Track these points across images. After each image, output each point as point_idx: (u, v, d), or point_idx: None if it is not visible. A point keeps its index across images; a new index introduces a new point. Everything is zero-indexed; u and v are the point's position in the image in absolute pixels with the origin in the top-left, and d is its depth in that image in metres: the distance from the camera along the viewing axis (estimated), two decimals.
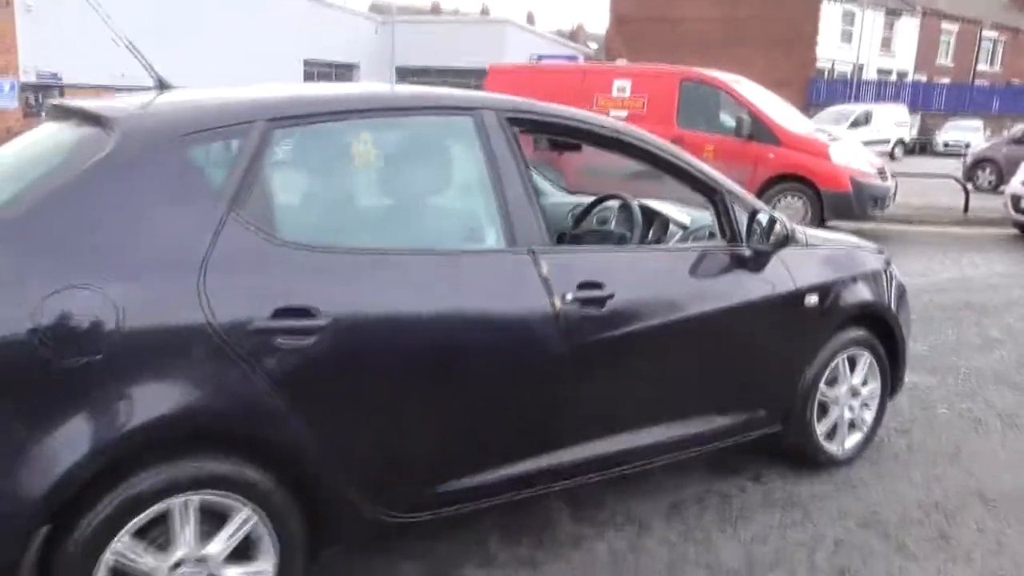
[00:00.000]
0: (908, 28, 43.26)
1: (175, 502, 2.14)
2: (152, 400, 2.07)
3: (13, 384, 1.96)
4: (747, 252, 3.19)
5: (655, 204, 3.62)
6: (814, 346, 3.46)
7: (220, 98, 2.52)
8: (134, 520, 2.09)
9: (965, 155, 19.05)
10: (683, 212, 3.58)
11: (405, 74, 44.56)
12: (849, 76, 40.50)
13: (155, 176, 2.19)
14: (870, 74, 41.51)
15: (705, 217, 3.47)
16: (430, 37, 40.67)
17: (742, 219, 3.23)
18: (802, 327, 3.40)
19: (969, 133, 30.62)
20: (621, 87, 11.07)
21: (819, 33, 39.36)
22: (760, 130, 10.26)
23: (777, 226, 3.17)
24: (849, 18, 40.52)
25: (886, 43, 42.84)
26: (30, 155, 2.50)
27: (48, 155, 2.35)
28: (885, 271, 3.82)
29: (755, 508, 3.34)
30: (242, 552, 2.28)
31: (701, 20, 40.01)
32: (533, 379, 2.68)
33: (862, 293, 3.61)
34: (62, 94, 30.97)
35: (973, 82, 43.00)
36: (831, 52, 39.73)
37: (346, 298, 2.32)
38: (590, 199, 3.96)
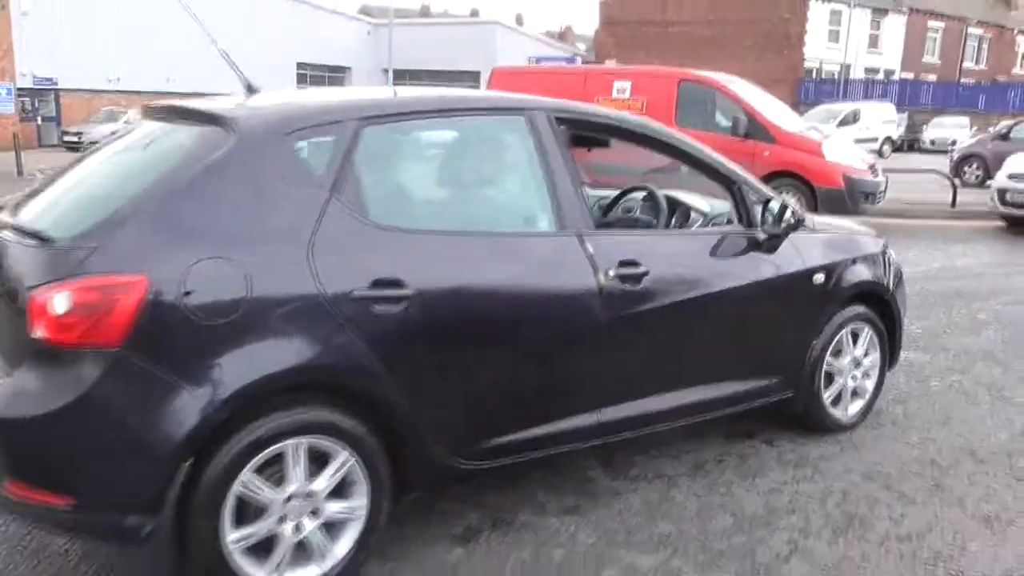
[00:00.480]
0: (895, 26, 43.87)
1: (289, 444, 2.51)
2: (274, 356, 2.44)
3: (165, 339, 2.32)
4: (761, 236, 3.58)
5: (677, 194, 4.01)
6: (821, 320, 3.85)
7: (319, 99, 2.89)
8: (256, 458, 2.46)
9: (952, 151, 19.53)
10: (702, 201, 3.97)
11: (399, 76, 44.93)
12: (837, 75, 41.03)
13: (270, 166, 2.56)
14: (857, 73, 42.06)
15: (722, 205, 3.86)
16: (422, 39, 41.09)
17: (756, 207, 3.62)
18: (810, 303, 3.79)
19: (956, 130, 31.18)
20: (621, 88, 11.47)
21: (807, 33, 39.87)
22: (755, 128, 10.68)
23: (788, 212, 3.56)
24: (836, 17, 41.07)
25: (873, 41, 43.44)
26: (151, 150, 2.86)
27: (172, 149, 2.71)
28: (883, 254, 4.22)
29: (770, 466, 3.73)
30: (340, 491, 2.65)
31: (690, 22, 40.45)
32: (580, 345, 3.07)
33: (863, 273, 4.00)
34: (57, 99, 31.28)
35: (959, 80, 43.62)
36: (819, 52, 40.26)
37: (427, 272, 2.69)
38: (614, 191, 4.35)
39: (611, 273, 3.07)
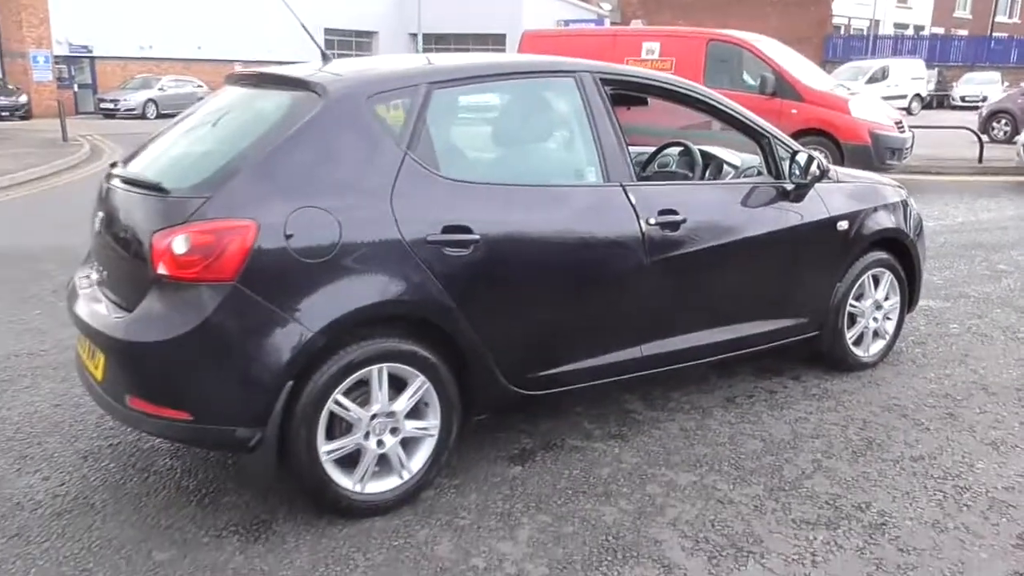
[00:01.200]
0: None
1: (373, 369, 2.87)
2: (362, 291, 2.80)
3: (272, 276, 2.69)
4: (789, 186, 3.88)
5: (710, 148, 4.30)
6: (844, 265, 4.15)
7: (392, 66, 3.22)
8: (346, 381, 2.82)
9: (981, 107, 19.46)
10: (733, 155, 4.26)
11: (425, 41, 44.88)
12: (865, 32, 40.51)
13: (354, 126, 2.90)
14: (886, 29, 41.49)
15: (751, 159, 4.15)
16: (448, 2, 40.95)
17: (784, 159, 3.91)
18: (834, 248, 4.09)
19: (987, 86, 30.85)
20: (650, 49, 11.65)
21: None
22: (783, 87, 10.84)
23: (813, 164, 3.85)
24: None
25: None
26: (245, 112, 3.22)
27: (267, 112, 3.06)
28: (904, 204, 4.49)
29: (796, 399, 4.07)
30: (416, 412, 3.02)
31: None
32: (624, 285, 3.40)
33: (884, 221, 4.29)
34: (93, 67, 31.75)
35: (991, 34, 42.89)
36: (847, 8, 39.78)
37: (491, 219, 3.03)
38: (650, 148, 4.64)
39: (652, 220, 3.39)
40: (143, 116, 27.56)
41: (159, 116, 27.75)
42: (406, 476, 3.03)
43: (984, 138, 14.20)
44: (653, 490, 3.19)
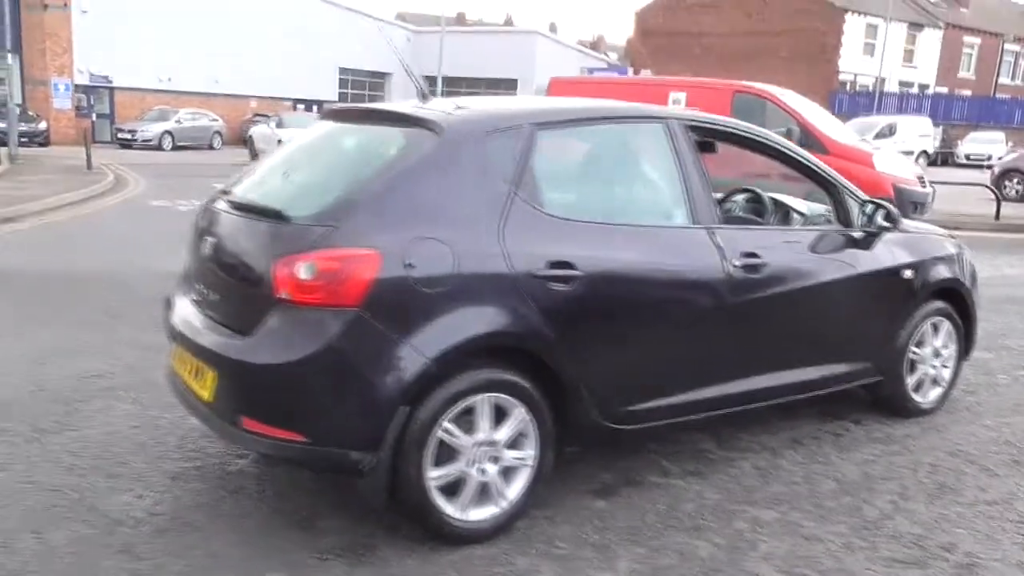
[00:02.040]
0: (930, 41, 43.96)
1: (478, 398, 2.96)
2: (474, 322, 2.90)
3: (392, 304, 2.79)
4: (859, 234, 4.01)
5: (778, 196, 4.44)
6: (907, 312, 4.27)
7: (500, 106, 3.36)
8: (454, 408, 2.91)
9: (993, 166, 19.77)
10: (799, 202, 4.39)
11: (434, 83, 45.52)
12: (871, 88, 41.17)
13: (469, 163, 3.03)
14: (891, 86, 42.18)
15: (818, 207, 4.29)
16: (462, 47, 41.70)
17: (854, 208, 4.04)
18: (899, 296, 4.21)
19: (990, 145, 31.32)
20: (676, 99, 11.87)
21: (842, 46, 40.14)
22: (808, 140, 11.01)
23: (880, 214, 3.98)
24: (872, 31, 41.22)
25: (908, 56, 43.54)
26: (357, 146, 3.36)
27: (381, 146, 3.20)
28: (960, 255, 4.62)
29: (861, 442, 4.15)
30: (514, 442, 3.10)
31: (725, 34, 40.83)
32: (709, 325, 3.51)
33: (944, 271, 4.41)
34: (112, 97, 32.17)
35: (995, 94, 43.63)
36: (853, 65, 40.48)
37: (591, 256, 3.14)
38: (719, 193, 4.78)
39: (736, 263, 3.51)
40: (159, 147, 27.89)
41: (175, 148, 28.10)
42: (504, 505, 3.10)
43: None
44: (740, 526, 3.26)
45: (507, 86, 43.16)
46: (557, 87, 12.92)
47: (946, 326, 4.49)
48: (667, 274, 3.38)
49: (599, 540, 3.12)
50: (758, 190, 4.41)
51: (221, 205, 3.33)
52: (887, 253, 4.12)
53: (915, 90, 42.73)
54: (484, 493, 3.06)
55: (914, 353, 4.37)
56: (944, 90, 43.44)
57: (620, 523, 3.25)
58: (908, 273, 4.20)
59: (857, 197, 4.10)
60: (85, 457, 3.72)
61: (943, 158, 33.18)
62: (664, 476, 3.69)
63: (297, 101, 37.74)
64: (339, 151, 3.45)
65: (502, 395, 3.01)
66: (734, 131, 3.85)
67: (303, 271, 2.76)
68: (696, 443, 4.03)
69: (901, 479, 3.74)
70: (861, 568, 2.98)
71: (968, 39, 45.55)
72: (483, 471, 3.03)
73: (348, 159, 3.35)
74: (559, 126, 3.32)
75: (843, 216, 4.05)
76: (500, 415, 3.05)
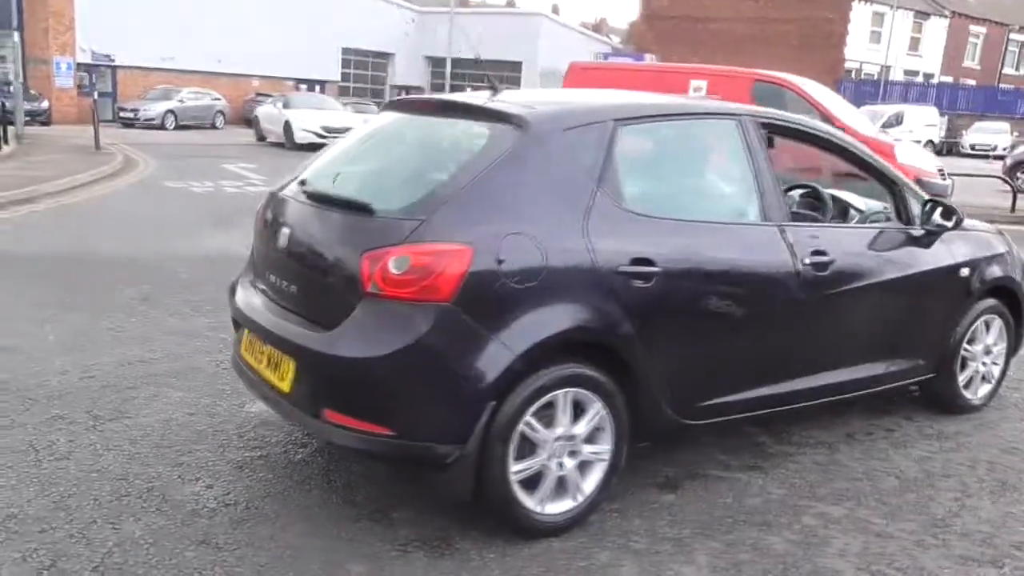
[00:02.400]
0: (936, 30, 43.84)
1: (559, 393, 2.96)
2: (561, 317, 2.90)
3: (484, 299, 2.78)
4: (919, 232, 4.01)
5: (836, 192, 4.43)
6: (963, 310, 4.28)
7: (580, 100, 3.34)
8: (537, 403, 2.91)
9: (1004, 157, 19.76)
10: (858, 199, 4.39)
11: (438, 64, 45.26)
12: (876, 77, 41.08)
13: (554, 158, 3.02)
14: (897, 75, 42.10)
15: (875, 204, 4.28)
16: (466, 29, 41.43)
17: (915, 206, 4.04)
18: (955, 294, 4.22)
19: (995, 135, 31.32)
20: (697, 87, 11.83)
21: (848, 34, 39.99)
22: None
23: (940, 212, 3.98)
24: (878, 19, 41.11)
25: (914, 44, 43.44)
26: (435, 138, 3.35)
27: (463, 140, 3.18)
28: (1009, 251, 4.62)
29: (915, 438, 4.17)
30: (590, 436, 3.11)
31: (731, 18, 40.62)
32: (780, 322, 3.51)
33: (997, 269, 4.42)
34: (114, 76, 31.91)
35: (999, 84, 43.56)
36: (859, 53, 40.35)
37: (670, 253, 3.14)
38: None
39: (806, 260, 3.51)
40: (162, 127, 27.67)
41: (177, 127, 27.88)
42: (580, 499, 3.11)
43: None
44: (809, 522, 3.28)
45: (511, 68, 42.93)
46: (575, 72, 12.85)
47: (997, 323, 4.51)
48: (741, 272, 3.37)
49: (673, 534, 3.14)
50: (817, 186, 4.40)
51: (296, 195, 3.31)
52: (945, 251, 4.12)
53: (920, 79, 42.64)
54: (561, 487, 3.07)
55: (966, 350, 4.38)
56: (949, 79, 43.36)
57: (690, 517, 3.27)
58: (965, 271, 4.21)
59: (918, 195, 4.09)
60: (146, 445, 3.72)
61: (948, 147, 33.18)
62: (725, 470, 3.70)
63: (299, 81, 37.48)
64: (416, 143, 3.43)
65: (581, 390, 3.01)
66: (801, 128, 3.84)
67: (395, 265, 2.75)
68: (751, 437, 4.05)
69: (960, 476, 3.76)
70: (937, 566, 3.00)
71: (974, 28, 45.44)
72: (561, 465, 3.04)
73: (427, 152, 3.34)
74: (638, 122, 3.30)
75: (904, 214, 4.05)
76: (578, 410, 3.05)
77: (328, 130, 22.11)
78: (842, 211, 4.33)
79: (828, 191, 4.36)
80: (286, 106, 24.05)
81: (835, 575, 2.92)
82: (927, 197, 4.08)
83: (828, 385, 3.79)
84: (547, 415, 2.98)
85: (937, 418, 4.42)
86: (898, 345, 4.08)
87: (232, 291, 3.65)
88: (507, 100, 3.33)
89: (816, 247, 3.57)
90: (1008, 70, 46.79)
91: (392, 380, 2.78)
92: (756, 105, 11.76)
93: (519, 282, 2.82)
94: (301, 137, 21.98)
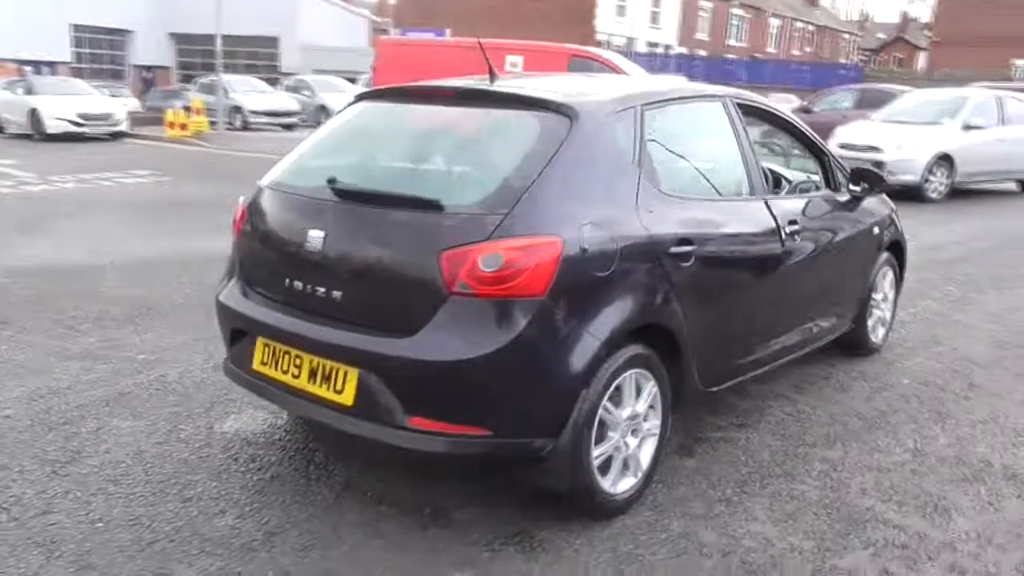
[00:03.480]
0: (672, 4, 47.48)
1: (627, 375, 3.04)
2: (633, 302, 2.98)
3: (574, 290, 2.79)
4: (847, 197, 4.48)
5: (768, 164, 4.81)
6: (873, 263, 4.85)
7: (608, 87, 3.39)
8: (611, 387, 2.97)
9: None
10: (785, 170, 4.80)
11: (183, 40, 42.26)
12: (623, 49, 43.82)
13: (605, 146, 3.06)
14: (640, 47, 45.16)
15: (799, 174, 4.71)
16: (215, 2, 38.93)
17: (838, 174, 4.51)
18: (871, 250, 4.77)
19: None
20: (513, 62, 12.11)
21: (597, 7, 42.31)
22: None
23: (865, 179, 4.48)
24: None
25: (654, 18, 46.76)
26: (477, 128, 3.28)
27: (512, 130, 3.14)
28: (894, 211, 5.27)
29: (849, 382, 4.67)
30: (646, 414, 3.22)
31: None
32: (771, 287, 3.82)
33: (894, 227, 5.04)
34: None
35: (725, 55, 48.07)
36: (607, 26, 42.82)
37: (701, 231, 3.31)
38: None
39: (787, 229, 3.82)
40: None
41: None
42: (639, 475, 3.22)
43: None
44: (820, 467, 3.62)
45: (266, 44, 41.10)
46: (386, 49, 12.71)
47: (891, 274, 5.14)
48: (747, 244, 3.63)
49: (719, 495, 3.34)
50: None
51: (319, 193, 3.10)
52: (864, 213, 4.64)
53: (660, 50, 46.03)
54: (626, 466, 3.16)
55: (872, 299, 4.96)
56: (684, 50, 47.17)
57: (724, 478, 3.49)
58: (876, 230, 4.77)
59: (842, 165, 4.56)
60: (133, 483, 3.35)
61: None
62: (719, 431, 3.96)
63: (24, 63, 33.49)
64: (445, 134, 3.32)
65: (641, 370, 3.11)
66: (759, 106, 4.14)
67: (486, 263, 2.68)
68: (723, 399, 4.33)
69: (906, 411, 4.29)
70: (939, 490, 3.44)
71: (703, 3, 49.73)
72: (627, 445, 3.13)
73: (469, 143, 3.24)
74: (656, 106, 3.41)
75: (832, 181, 4.50)
76: (638, 390, 3.15)
77: (86, 118, 20.09)
78: (775, 182, 4.72)
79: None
80: (29, 92, 21.37)
81: (868, 511, 3.26)
82: (850, 166, 4.56)
83: (801, 340, 4.19)
84: (615, 397, 3.05)
85: (853, 361, 4.98)
86: (840, 299, 4.56)
87: (224, 300, 3.36)
88: (535, 88, 3.34)
89: (790, 216, 3.90)
90: (732, 41, 51.75)
91: (491, 380, 2.73)
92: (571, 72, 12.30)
93: (599, 270, 2.86)
94: (54, 127, 19.71)
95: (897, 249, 5.20)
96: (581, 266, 2.81)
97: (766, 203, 3.78)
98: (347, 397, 2.89)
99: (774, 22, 57.23)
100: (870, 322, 5.00)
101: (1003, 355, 5.25)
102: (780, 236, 3.78)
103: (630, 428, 3.13)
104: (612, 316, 2.91)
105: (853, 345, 5.01)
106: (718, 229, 3.45)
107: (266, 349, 3.17)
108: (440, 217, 2.82)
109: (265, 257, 3.27)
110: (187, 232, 8.71)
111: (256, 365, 3.20)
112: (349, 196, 3.04)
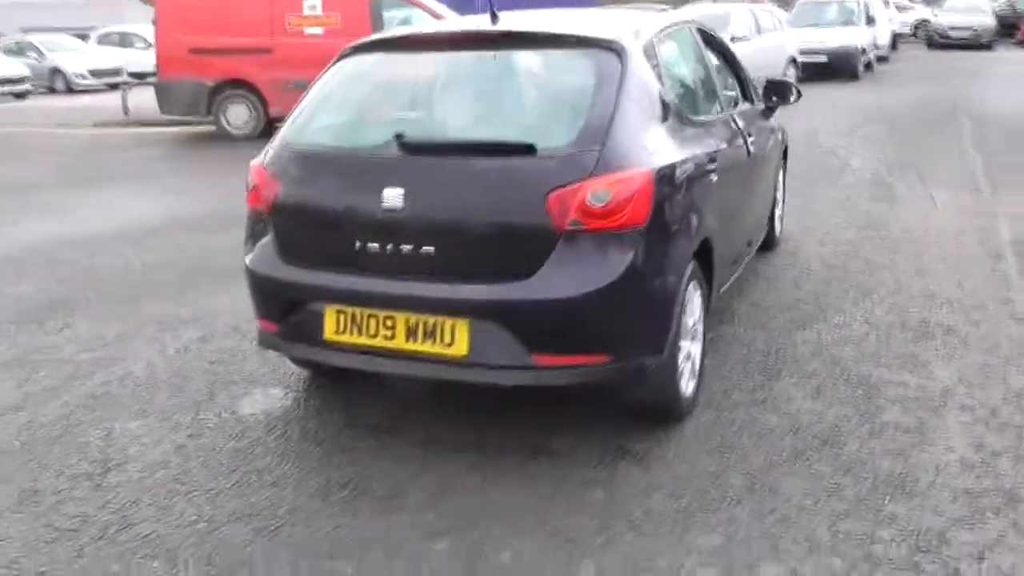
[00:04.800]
0: None
1: (690, 286, 3.28)
2: (697, 222, 3.30)
3: (666, 217, 3.01)
4: (764, 107, 4.99)
5: None
6: (779, 167, 5.44)
7: (626, 21, 3.56)
8: (685, 298, 3.21)
9: None
10: None
11: None
12: None
13: (647, 79, 3.23)
14: None
15: (727, 91, 5.10)
16: None
17: (753, 88, 5.00)
18: (778, 155, 5.34)
19: None
20: (312, 5, 11.60)
21: None
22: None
23: (777, 90, 5.00)
24: None
25: None
26: (534, 69, 3.37)
27: (564, 67, 3.28)
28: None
29: (774, 274, 5.26)
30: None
31: None
32: (747, 192, 4.26)
33: (783, 133, 5.65)
34: None
35: None
36: None
37: (716, 148, 3.62)
38: None
39: (750, 140, 4.24)
40: None
41: None
42: (695, 379, 3.51)
43: None
44: (808, 347, 4.14)
45: None
46: (169, 1, 11.68)
47: (782, 175, 5.79)
48: (735, 155, 4.00)
49: (753, 384, 3.76)
50: None
51: (384, 150, 3.04)
52: (775, 123, 5.19)
53: None
54: (691, 370, 3.45)
55: (775, 198, 5.57)
56: None
57: (742, 369, 3.91)
58: (780, 136, 5.36)
59: (755, 82, 5.05)
60: (198, 479, 3.16)
61: None
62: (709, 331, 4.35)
63: None
64: (500, 77, 3.35)
65: (695, 281, 3.38)
66: (703, 29, 4.46)
67: (595, 198, 2.81)
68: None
69: (835, 292, 4.94)
70: (907, 349, 4.09)
71: None
72: (691, 351, 3.42)
73: (528, 84, 3.32)
74: (659, 38, 3.58)
75: (749, 95, 4.96)
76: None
77: None
78: None
79: None
80: None
81: (871, 376, 3.80)
82: (763, 81, 5.05)
83: (753, 243, 4.67)
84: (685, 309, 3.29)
85: (766, 257, 5.55)
86: (768, 200, 5.10)
87: (269, 272, 3.21)
88: (562, 26, 3.47)
89: (747, 129, 4.31)
90: None
91: (611, 308, 2.88)
92: (377, 18, 12.00)
93: (675, 195, 3.09)
94: None
95: (785, 152, 5.83)
96: (664, 193, 3.01)
97: (732, 118, 4.15)
98: (459, 348, 2.92)
99: None
100: (776, 219, 5.62)
101: (867, 235, 6.10)
102: (747, 146, 4.18)
103: (691, 335, 3.41)
104: (687, 236, 3.17)
105: (767, 244, 5.59)
106: (722, 144, 3.78)
107: (341, 316, 3.08)
108: (536, 160, 2.89)
109: (320, 222, 3.15)
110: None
111: (330, 335, 3.11)
112: (422, 150, 3.00)
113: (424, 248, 2.96)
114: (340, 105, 3.39)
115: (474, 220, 2.95)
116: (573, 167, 2.85)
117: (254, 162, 3.39)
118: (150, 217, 7.48)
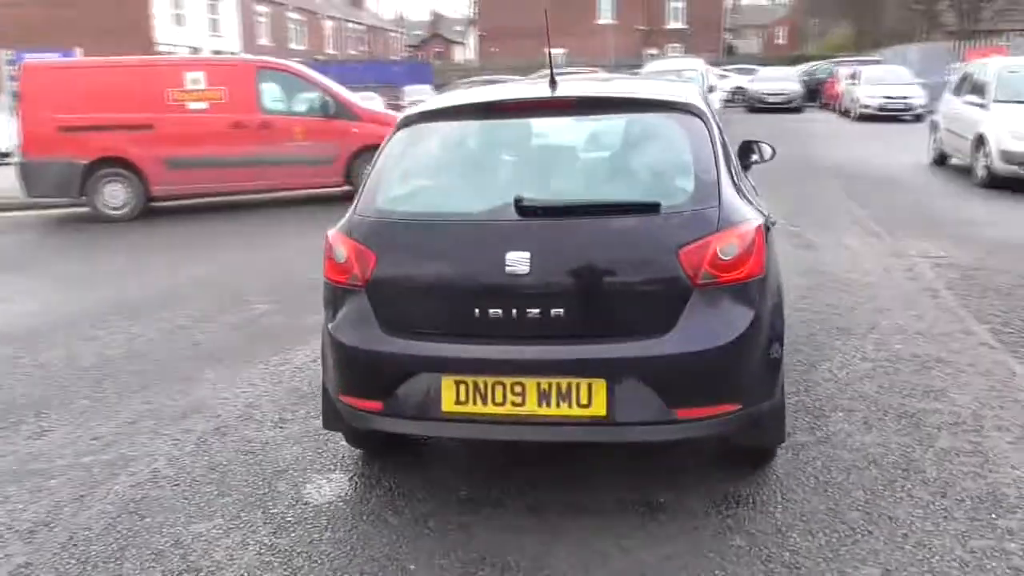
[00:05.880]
0: (229, 10, 46.00)
1: None
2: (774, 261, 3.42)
3: (768, 265, 3.14)
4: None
5: None
6: None
7: (681, 87, 3.73)
8: None
9: None
10: None
11: None
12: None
13: (723, 137, 3.42)
14: (207, 55, 43.17)
15: None
16: None
17: None
18: None
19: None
20: (195, 79, 11.20)
21: (154, 18, 39.53)
22: (341, 109, 11.70)
23: (753, 151, 5.35)
24: (179, 2, 41.43)
25: (214, 25, 44.96)
26: (628, 133, 3.46)
27: (657, 132, 3.38)
28: None
29: None
30: None
31: (11, 4, 36.65)
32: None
33: None
34: None
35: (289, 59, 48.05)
36: (169, 36, 40.30)
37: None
38: None
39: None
40: None
41: None
42: None
43: None
44: (826, 375, 4.40)
45: None
46: (38, 75, 10.99)
47: None
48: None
49: (800, 406, 3.95)
50: None
51: (500, 215, 3.04)
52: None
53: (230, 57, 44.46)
54: None
55: None
56: (250, 56, 46.11)
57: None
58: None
59: None
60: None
61: None
62: None
63: None
64: (592, 141, 3.46)
65: None
66: None
67: (724, 251, 2.93)
68: None
69: (826, 327, 5.29)
70: (920, 380, 4.45)
71: (259, 8, 48.97)
72: None
73: (622, 146, 3.40)
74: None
75: None
76: None
77: None
78: None
79: None
80: None
81: (902, 405, 4.11)
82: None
83: None
84: None
85: None
86: None
87: (372, 347, 3.08)
88: (634, 91, 3.62)
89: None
90: (293, 45, 51.86)
91: (745, 357, 2.99)
92: (264, 93, 11.79)
93: (768, 243, 3.25)
94: None
95: None
96: (768, 240, 3.18)
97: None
98: (597, 408, 2.92)
99: (328, 24, 58.48)
100: None
101: (816, 280, 6.57)
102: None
103: None
104: (778, 280, 3.34)
105: None
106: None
107: (462, 387, 3.00)
108: (662, 217, 2.98)
109: (433, 291, 3.07)
110: None
111: (448, 406, 3.01)
112: (543, 213, 3.02)
113: (553, 310, 2.96)
114: (432, 173, 3.35)
115: (604, 279, 2.99)
116: (699, 223, 2.97)
117: (335, 234, 3.27)
118: (67, 309, 6.85)
